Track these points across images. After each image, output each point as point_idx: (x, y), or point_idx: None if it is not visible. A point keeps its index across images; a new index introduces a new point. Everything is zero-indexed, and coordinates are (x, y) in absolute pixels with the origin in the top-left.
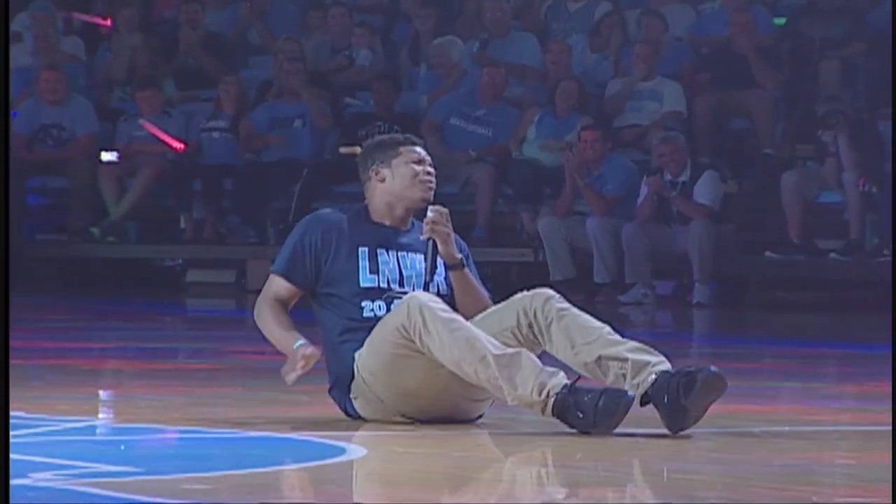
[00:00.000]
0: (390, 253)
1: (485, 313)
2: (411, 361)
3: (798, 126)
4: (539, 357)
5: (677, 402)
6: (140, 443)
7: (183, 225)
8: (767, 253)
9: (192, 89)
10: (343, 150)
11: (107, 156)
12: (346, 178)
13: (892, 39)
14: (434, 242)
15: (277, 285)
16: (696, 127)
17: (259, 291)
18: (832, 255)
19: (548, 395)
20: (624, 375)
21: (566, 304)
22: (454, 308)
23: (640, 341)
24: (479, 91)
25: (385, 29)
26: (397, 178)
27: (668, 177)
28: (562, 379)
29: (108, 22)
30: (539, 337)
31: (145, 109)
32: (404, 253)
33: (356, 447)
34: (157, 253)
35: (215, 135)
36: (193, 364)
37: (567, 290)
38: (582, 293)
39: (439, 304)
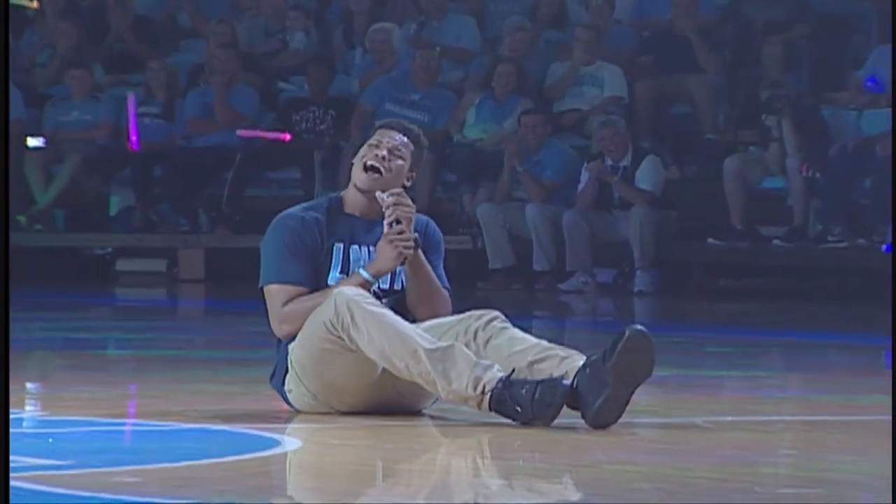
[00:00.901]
0: (362, 249)
1: (427, 325)
2: (340, 357)
3: (741, 111)
4: None
5: (598, 371)
6: (68, 436)
7: (113, 213)
8: (710, 240)
9: (121, 73)
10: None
11: (33, 142)
12: (280, 164)
13: (892, 32)
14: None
15: (281, 294)
16: (638, 112)
17: (192, 281)
18: (775, 241)
19: (483, 391)
20: (552, 374)
21: (508, 325)
22: (404, 300)
23: (581, 330)
24: (413, 75)
25: (319, 11)
26: (357, 161)
27: (609, 162)
28: (497, 372)
29: (35, 4)
30: (476, 355)
31: (75, 92)
32: (375, 246)
33: (291, 439)
34: (86, 241)
35: (146, 120)
36: (123, 355)
37: (506, 278)
38: (521, 281)
39: (368, 299)
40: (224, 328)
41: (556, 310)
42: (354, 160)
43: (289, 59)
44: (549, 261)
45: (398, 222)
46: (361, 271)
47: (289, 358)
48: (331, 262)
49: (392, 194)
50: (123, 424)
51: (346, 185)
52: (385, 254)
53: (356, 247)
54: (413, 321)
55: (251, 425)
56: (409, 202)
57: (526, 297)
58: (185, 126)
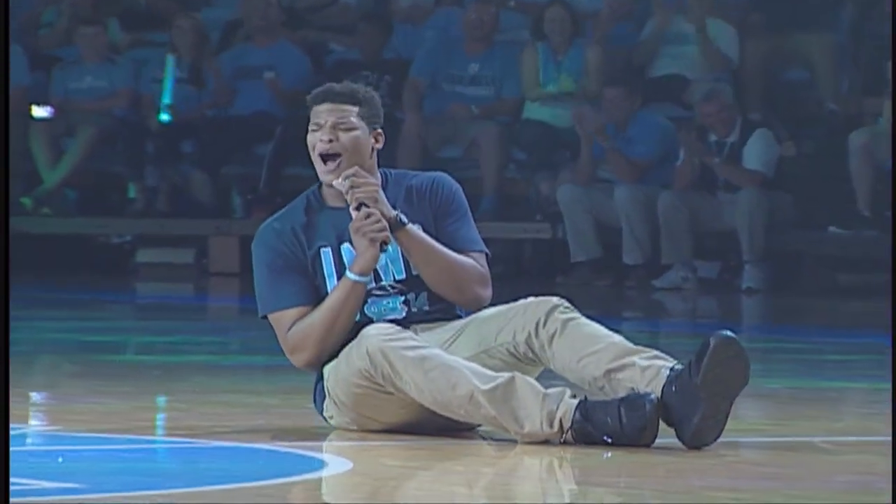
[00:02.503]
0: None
1: (481, 319)
2: (383, 399)
3: (868, 76)
4: (538, 378)
5: (687, 387)
6: (81, 455)
7: (133, 194)
8: (831, 228)
9: (141, 31)
10: None
11: (39, 111)
12: None
13: (891, 35)
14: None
15: (283, 321)
16: (746, 78)
17: (225, 274)
18: None
19: (561, 427)
20: (634, 388)
21: (574, 314)
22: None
23: (679, 333)
24: (466, 34)
25: None
26: (312, 157)
27: (714, 137)
28: (570, 400)
29: None
30: (540, 354)
31: (88, 54)
32: None
33: (339, 459)
34: (102, 228)
35: (175, 86)
36: (144, 361)
37: (591, 273)
38: (609, 276)
39: (401, 341)
40: (261, 330)
41: (649, 310)
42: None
43: (338, 15)
44: (642, 252)
45: (365, 205)
46: (348, 274)
47: (325, 384)
48: (323, 270)
49: (346, 176)
50: (145, 442)
51: (405, 161)
52: (359, 247)
53: (347, 245)
54: (451, 316)
55: (294, 443)
56: (369, 179)
57: (614, 294)
58: (212, 95)
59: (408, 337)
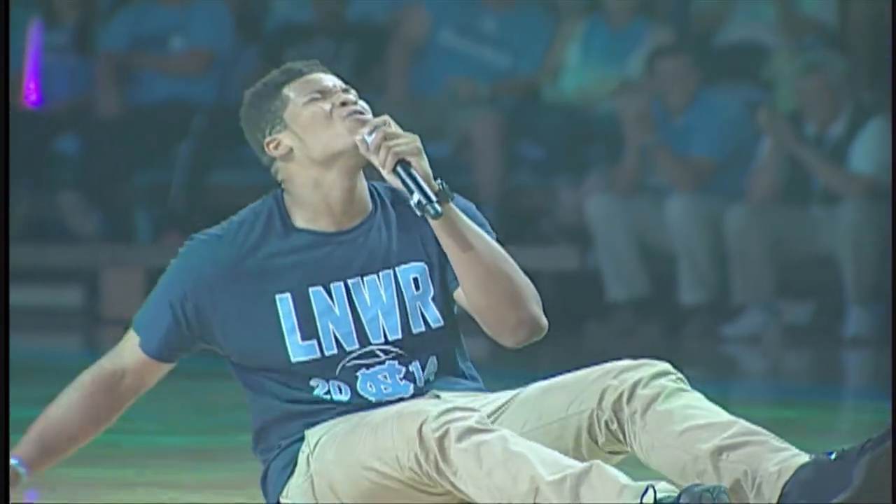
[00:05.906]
0: (333, 287)
1: (541, 388)
2: (412, 495)
3: None
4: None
5: (843, 462)
6: None
7: None
8: None
9: None
10: None
11: None
12: None
13: (891, 38)
14: (406, 168)
15: (131, 348)
16: (850, 48)
17: (123, 322)
18: None
19: None
20: (749, 472)
21: (686, 386)
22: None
23: (757, 400)
24: None
25: None
26: (308, 136)
27: (814, 128)
28: (652, 493)
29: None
30: (628, 426)
31: None
32: (356, 278)
33: None
34: None
35: (49, 59)
36: (17, 442)
37: (636, 317)
38: (660, 321)
39: (460, 421)
40: (178, 398)
41: (716, 367)
42: (295, 140)
43: None
44: (704, 288)
45: (405, 163)
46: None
47: (305, 456)
48: (280, 326)
49: (375, 126)
50: None
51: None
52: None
53: (318, 289)
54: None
55: None
56: (403, 133)
57: (667, 346)
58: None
59: (468, 415)
